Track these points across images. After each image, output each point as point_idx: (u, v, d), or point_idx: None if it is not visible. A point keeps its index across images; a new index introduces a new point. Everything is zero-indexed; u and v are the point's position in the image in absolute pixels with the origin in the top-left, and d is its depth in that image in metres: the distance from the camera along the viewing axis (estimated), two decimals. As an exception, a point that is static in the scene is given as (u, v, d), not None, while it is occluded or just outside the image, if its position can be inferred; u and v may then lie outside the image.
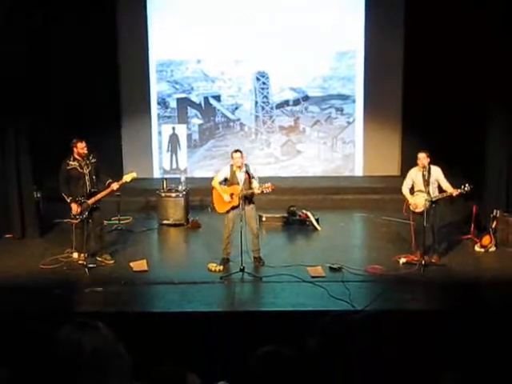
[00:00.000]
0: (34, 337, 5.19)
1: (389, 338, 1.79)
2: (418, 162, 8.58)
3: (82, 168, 8.56)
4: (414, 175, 8.70)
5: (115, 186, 8.57)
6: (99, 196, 8.61)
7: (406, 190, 8.79)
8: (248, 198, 8.47)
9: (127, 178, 8.70)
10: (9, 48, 9.56)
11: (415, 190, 8.67)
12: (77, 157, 8.56)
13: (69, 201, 8.52)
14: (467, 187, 8.27)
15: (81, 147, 8.50)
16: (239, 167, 8.48)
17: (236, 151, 8.57)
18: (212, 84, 13.54)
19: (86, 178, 8.56)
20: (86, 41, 12.20)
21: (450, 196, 8.52)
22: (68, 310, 7.10)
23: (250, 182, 8.45)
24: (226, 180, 8.64)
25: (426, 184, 8.49)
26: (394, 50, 12.87)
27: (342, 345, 1.85)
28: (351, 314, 6.20)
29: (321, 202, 12.01)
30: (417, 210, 8.60)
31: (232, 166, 8.56)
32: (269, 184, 8.34)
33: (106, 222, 9.42)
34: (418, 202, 8.55)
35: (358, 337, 1.85)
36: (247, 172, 8.48)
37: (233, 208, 8.52)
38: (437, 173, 8.56)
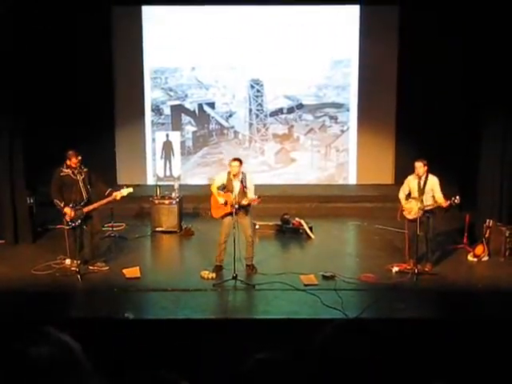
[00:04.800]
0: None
1: (381, 346, 1.78)
2: (415, 169, 8.61)
3: (75, 175, 8.55)
4: (411, 182, 8.72)
5: (118, 195, 8.61)
6: (96, 205, 8.62)
7: (402, 195, 8.81)
8: (242, 207, 8.47)
9: (124, 192, 8.75)
10: (7, 49, 9.57)
11: (411, 196, 8.69)
12: (70, 164, 8.57)
13: (62, 205, 8.48)
14: (457, 199, 8.30)
15: (77, 160, 8.54)
16: (235, 175, 8.49)
17: (234, 160, 8.58)
18: (206, 91, 13.54)
19: (80, 184, 8.55)
20: (81, 47, 12.22)
21: (441, 207, 8.54)
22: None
23: (245, 192, 8.46)
24: (224, 186, 8.65)
25: (420, 192, 8.52)
26: (389, 58, 12.90)
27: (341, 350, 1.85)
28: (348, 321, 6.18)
29: (314, 210, 12.01)
30: (409, 216, 8.63)
31: (229, 172, 8.58)
32: (256, 197, 8.36)
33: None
34: (411, 208, 8.57)
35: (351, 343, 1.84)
36: (242, 182, 8.50)
37: (228, 214, 8.53)
38: (433, 183, 8.57)
